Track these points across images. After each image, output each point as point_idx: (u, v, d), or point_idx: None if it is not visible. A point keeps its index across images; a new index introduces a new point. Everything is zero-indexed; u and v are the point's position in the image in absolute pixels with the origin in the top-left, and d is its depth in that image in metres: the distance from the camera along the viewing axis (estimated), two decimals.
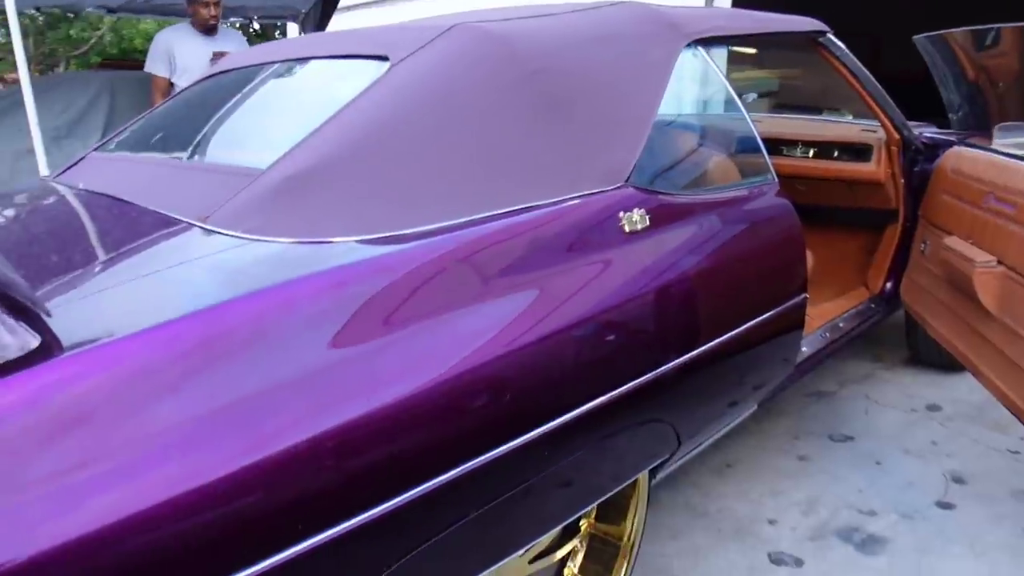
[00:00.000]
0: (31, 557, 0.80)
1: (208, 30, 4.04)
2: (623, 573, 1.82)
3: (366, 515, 1.06)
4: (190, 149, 1.85)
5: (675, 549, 2.27)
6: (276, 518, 0.98)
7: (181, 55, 4.03)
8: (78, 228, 1.48)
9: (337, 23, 5.77)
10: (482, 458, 1.20)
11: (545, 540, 1.74)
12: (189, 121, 2.02)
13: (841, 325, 2.76)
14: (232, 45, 4.15)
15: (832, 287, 3.06)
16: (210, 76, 2.22)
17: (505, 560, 1.38)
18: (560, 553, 1.78)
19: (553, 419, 1.30)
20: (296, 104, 1.86)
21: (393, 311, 1.15)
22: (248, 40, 4.47)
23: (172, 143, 1.95)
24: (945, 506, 2.44)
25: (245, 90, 1.98)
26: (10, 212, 1.60)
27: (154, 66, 4.06)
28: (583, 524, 1.83)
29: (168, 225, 1.35)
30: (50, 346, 0.93)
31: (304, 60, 1.94)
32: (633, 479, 1.64)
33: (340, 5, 5.82)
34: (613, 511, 1.82)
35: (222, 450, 0.94)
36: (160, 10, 5.52)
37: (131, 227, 1.39)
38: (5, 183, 4.11)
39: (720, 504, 2.48)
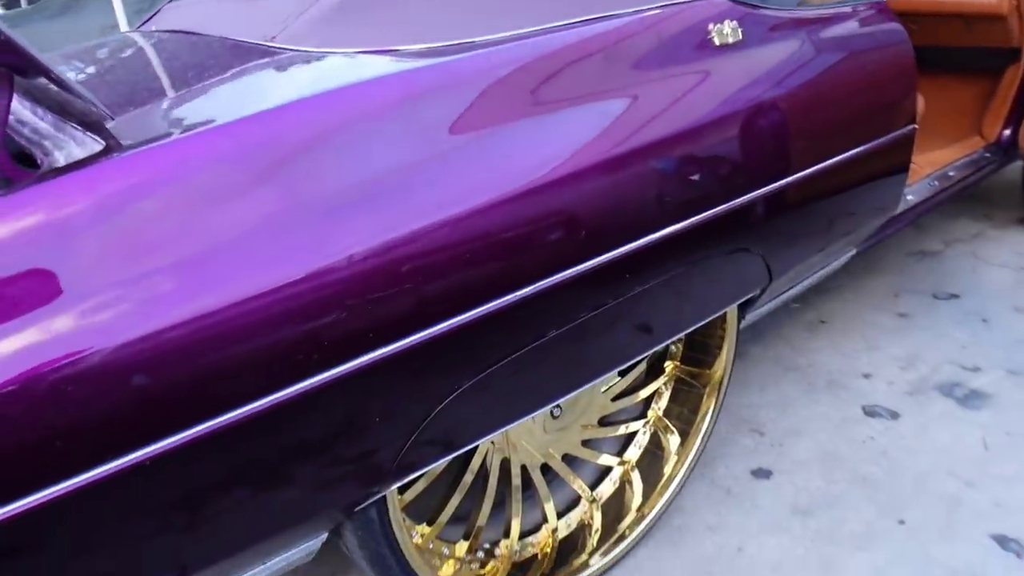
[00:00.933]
0: (108, 349, 0.80)
1: None
2: (709, 417, 1.77)
3: (440, 328, 1.04)
4: None
5: (762, 400, 2.21)
6: (351, 324, 0.96)
7: None
8: (149, 59, 1.45)
9: None
10: (563, 275, 1.15)
11: (628, 379, 1.71)
12: None
13: (951, 175, 2.56)
14: None
15: (943, 135, 2.83)
16: None
17: (587, 385, 1.35)
18: (644, 393, 1.75)
19: (637, 239, 1.23)
20: None
21: (464, 120, 1.09)
22: None
23: None
24: None
25: None
26: (89, 57, 1.59)
27: None
28: (668, 366, 1.79)
29: (237, 48, 1.30)
30: (117, 147, 0.91)
31: None
32: (722, 312, 1.57)
33: None
34: (701, 352, 1.76)
35: (295, 250, 0.92)
36: None
37: (201, 52, 1.35)
38: None
39: (811, 358, 2.40)
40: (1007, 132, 2.78)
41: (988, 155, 2.74)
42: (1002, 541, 1.69)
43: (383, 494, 1.16)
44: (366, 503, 1.14)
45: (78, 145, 0.93)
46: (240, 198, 0.91)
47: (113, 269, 0.83)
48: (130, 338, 0.82)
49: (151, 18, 2.06)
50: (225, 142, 0.93)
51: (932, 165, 2.56)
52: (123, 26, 3.84)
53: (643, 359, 1.70)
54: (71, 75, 1.39)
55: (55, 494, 0.79)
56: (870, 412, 2.14)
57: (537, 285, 1.12)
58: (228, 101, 1.07)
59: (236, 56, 1.27)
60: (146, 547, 0.91)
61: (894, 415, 2.12)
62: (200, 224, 0.88)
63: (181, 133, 0.94)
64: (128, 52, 1.56)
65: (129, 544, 0.90)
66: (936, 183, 2.48)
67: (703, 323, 1.51)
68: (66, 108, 0.95)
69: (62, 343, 0.78)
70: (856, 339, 2.49)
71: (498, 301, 1.09)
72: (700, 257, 1.38)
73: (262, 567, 1.09)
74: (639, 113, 1.24)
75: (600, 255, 1.19)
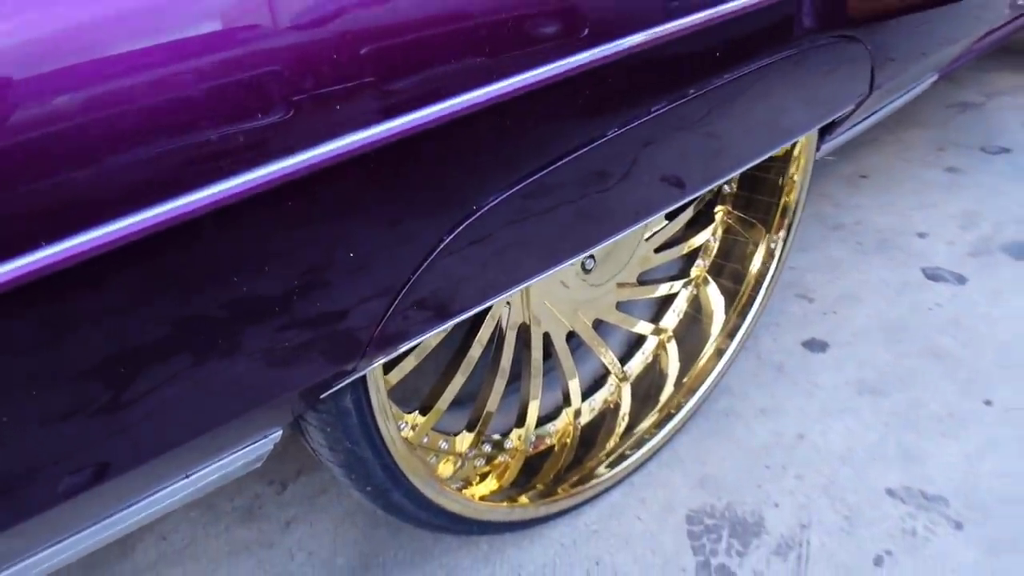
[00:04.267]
0: None
1: None
2: (767, 278, 1.41)
3: (412, 119, 0.63)
4: None
5: (807, 262, 1.86)
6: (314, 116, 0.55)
7: None
8: None
9: None
10: (587, 55, 0.73)
11: (677, 224, 1.33)
12: None
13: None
14: None
15: None
16: None
17: (632, 228, 0.95)
18: (691, 243, 1.37)
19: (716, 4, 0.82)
20: None
21: None
22: None
23: None
24: None
25: None
26: None
27: None
28: (720, 211, 1.41)
29: None
30: None
31: None
32: (813, 130, 1.18)
33: None
34: (759, 195, 1.38)
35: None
36: None
37: None
38: None
39: (857, 216, 2.04)
40: None
41: None
42: None
43: (360, 374, 0.77)
44: (336, 387, 0.75)
45: None
46: None
47: None
48: None
49: None
50: None
51: None
52: None
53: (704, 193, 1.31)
54: None
55: None
56: (932, 276, 1.80)
57: (567, 62, 0.71)
58: None
59: None
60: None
61: (960, 279, 1.78)
62: None
63: None
64: None
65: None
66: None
67: (792, 141, 1.12)
68: None
69: None
70: (905, 195, 2.13)
71: (517, 79, 0.68)
72: (798, 43, 0.97)
73: (186, 478, 0.72)
74: None
75: (655, 26, 0.77)
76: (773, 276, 1.41)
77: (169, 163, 0.51)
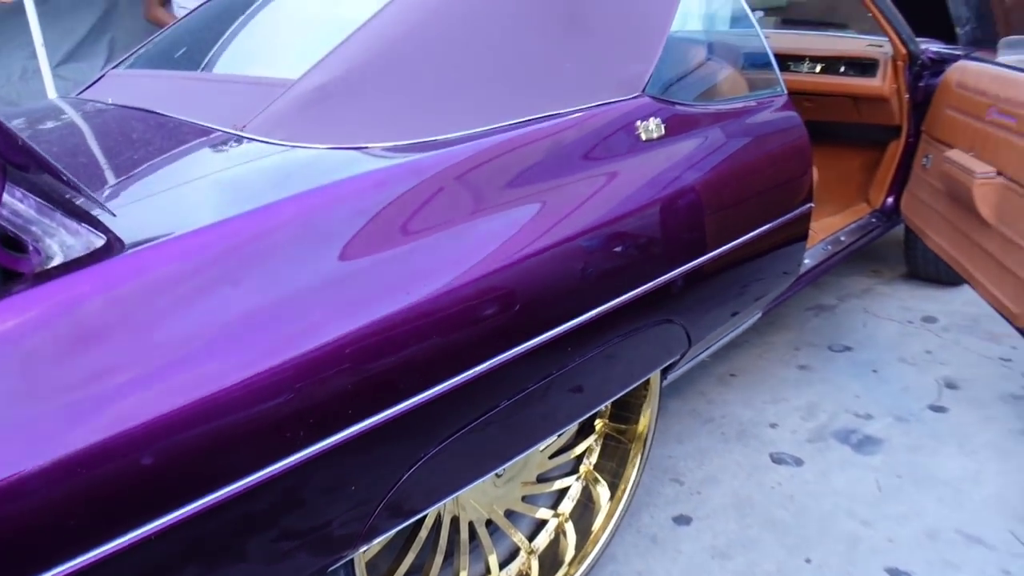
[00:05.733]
0: (89, 444, 0.87)
1: None
2: (635, 470, 1.92)
3: (409, 403, 1.15)
4: (214, 62, 1.88)
5: (681, 452, 2.38)
6: (332, 403, 1.06)
7: None
8: (118, 139, 1.52)
9: None
10: (509, 354, 1.27)
11: (563, 438, 1.85)
12: (209, 35, 2.04)
13: (843, 239, 2.83)
14: None
15: (835, 202, 3.12)
16: None
17: (533, 448, 1.48)
18: (578, 450, 1.89)
19: (576, 317, 1.38)
20: (316, 16, 1.88)
21: (428, 214, 1.21)
22: None
23: (194, 58, 1.97)
24: (937, 409, 2.56)
25: (270, 3, 2.01)
26: (46, 127, 1.64)
27: None
28: (598, 424, 1.94)
29: (206, 134, 1.39)
30: (118, 242, 1.00)
31: None
32: (648, 377, 1.73)
33: None
34: (627, 411, 1.92)
35: (285, 339, 1.02)
36: None
37: (171, 136, 1.43)
38: (14, 103, 4.13)
39: (724, 410, 2.60)
40: (890, 199, 3.08)
41: (875, 220, 3.03)
42: (895, 574, 1.88)
43: (354, 556, 1.25)
44: (337, 564, 1.23)
45: (72, 235, 1.00)
46: (228, 293, 1.01)
47: (121, 358, 0.91)
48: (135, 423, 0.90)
49: (93, 84, 2.11)
50: (221, 239, 1.03)
51: (826, 230, 2.82)
52: (45, 70, 3.81)
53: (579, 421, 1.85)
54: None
55: None
56: (777, 459, 2.34)
57: (494, 360, 1.25)
58: (211, 197, 1.17)
59: (209, 143, 1.36)
60: None
61: (798, 462, 2.32)
62: (189, 321, 0.97)
63: (180, 229, 1.03)
64: (89, 124, 1.62)
65: None
66: (829, 247, 2.73)
67: (633, 387, 1.67)
68: (56, 195, 1.01)
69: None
70: (763, 391, 2.70)
71: (460, 376, 1.21)
72: (631, 329, 1.54)
73: None
74: (579, 203, 1.39)
75: (548, 331, 1.33)
76: (639, 471, 1.92)
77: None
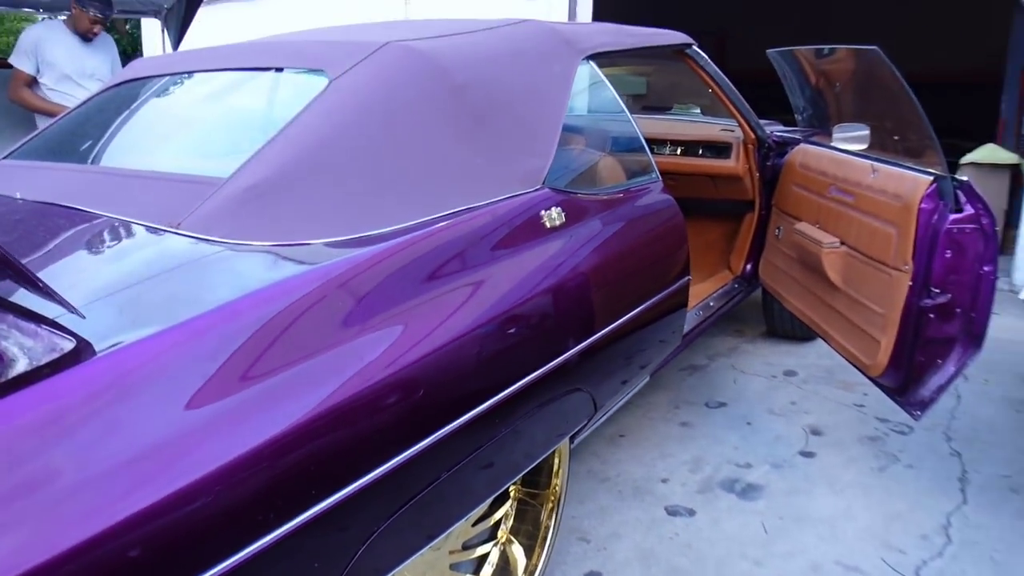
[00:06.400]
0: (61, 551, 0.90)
1: (84, 37, 3.99)
2: (550, 531, 2.05)
3: (351, 490, 1.23)
4: (132, 156, 1.92)
5: (584, 511, 2.53)
6: (288, 494, 1.14)
7: (50, 53, 3.95)
8: (45, 237, 1.53)
9: (203, 19, 5.65)
10: (441, 432, 1.38)
11: (483, 506, 1.95)
12: (117, 127, 2.08)
13: (712, 304, 3.10)
14: (105, 51, 4.11)
15: (702, 270, 3.41)
16: (125, 82, 2.25)
17: (463, 520, 1.58)
18: (496, 516, 1.99)
19: (502, 391, 1.51)
20: (239, 113, 1.97)
21: (369, 304, 1.32)
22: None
23: (104, 150, 2.00)
24: (807, 455, 2.83)
25: (176, 98, 2.07)
26: None
27: (19, 60, 3.97)
28: (512, 490, 2.05)
29: (142, 232, 1.45)
30: (87, 346, 1.05)
31: (233, 70, 2.04)
32: (560, 443, 1.88)
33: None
34: (539, 476, 2.05)
35: (246, 434, 1.09)
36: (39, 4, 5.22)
37: (106, 235, 1.48)
38: None
39: (618, 469, 2.77)
40: (749, 266, 3.41)
41: (737, 286, 3.35)
42: None
43: None
44: None
45: (35, 339, 1.05)
46: (192, 393, 1.07)
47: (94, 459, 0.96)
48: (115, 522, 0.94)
49: None
50: (188, 338, 1.11)
51: (696, 297, 3.09)
52: None
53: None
54: None
55: None
56: (672, 512, 2.52)
57: (428, 440, 1.36)
58: (163, 298, 1.23)
59: (148, 241, 1.41)
60: None
61: (691, 512, 2.51)
62: (148, 426, 1.02)
63: (145, 332, 1.10)
64: (6, 223, 1.62)
65: None
66: (701, 312, 3.00)
67: (550, 453, 1.80)
68: (14, 298, 1.04)
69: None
70: (651, 448, 2.90)
71: (396, 459, 1.30)
72: (547, 399, 1.68)
73: None
74: (501, 288, 1.54)
75: (475, 408, 1.45)
76: (553, 531, 2.04)
77: None
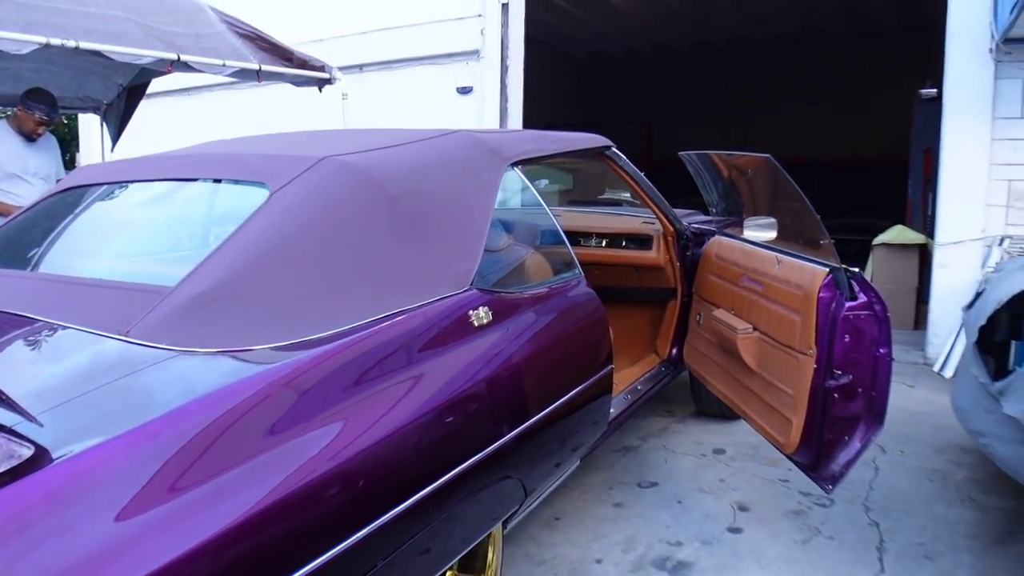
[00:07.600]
0: None
1: (29, 137, 4.10)
2: None
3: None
4: (79, 262, 2.01)
5: None
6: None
7: None
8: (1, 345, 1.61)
9: (142, 111, 5.76)
10: (379, 521, 1.48)
11: None
12: (63, 234, 2.16)
13: (639, 387, 3.26)
14: (49, 150, 4.21)
15: (629, 356, 3.58)
16: (70, 188, 2.34)
17: None
18: None
19: (435, 481, 1.62)
20: (184, 223, 2.09)
21: (306, 405, 1.43)
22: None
23: (52, 257, 2.08)
24: (735, 530, 2.96)
25: (121, 205, 2.18)
26: None
27: None
28: (449, 575, 2.13)
29: (92, 340, 1.53)
30: (45, 453, 1.14)
31: (177, 180, 2.16)
32: (494, 527, 1.97)
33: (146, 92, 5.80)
34: (473, 561, 2.13)
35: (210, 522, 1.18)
36: None
37: (58, 343, 1.56)
38: None
39: (554, 552, 2.85)
40: (675, 350, 3.59)
41: (664, 369, 3.52)
42: None
43: None
44: None
45: None
46: (148, 493, 1.16)
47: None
48: None
49: None
50: (141, 440, 1.20)
51: (624, 382, 3.24)
52: None
53: None
54: None
55: None
56: None
57: (366, 529, 1.45)
58: (130, 401, 1.32)
59: (97, 349, 1.50)
60: None
61: None
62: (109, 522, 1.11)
63: (101, 437, 1.19)
64: None
65: None
66: (629, 396, 3.15)
67: (484, 536, 1.90)
68: None
69: None
70: (585, 530, 2.99)
71: (336, 548, 1.39)
72: (479, 487, 1.79)
73: None
74: (434, 385, 1.66)
75: (411, 497, 1.55)
76: None
77: None
